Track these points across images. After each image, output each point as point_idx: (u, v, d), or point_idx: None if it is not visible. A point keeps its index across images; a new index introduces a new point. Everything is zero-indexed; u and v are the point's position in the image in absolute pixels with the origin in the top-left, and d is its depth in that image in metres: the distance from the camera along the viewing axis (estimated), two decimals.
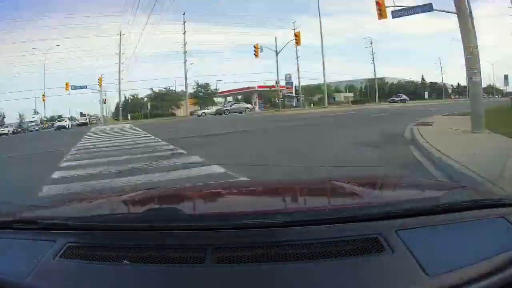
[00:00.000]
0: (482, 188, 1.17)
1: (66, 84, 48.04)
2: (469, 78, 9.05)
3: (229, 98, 64.72)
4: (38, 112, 57.03)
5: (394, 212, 1.02)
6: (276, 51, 47.14)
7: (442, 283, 0.80)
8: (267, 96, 63.33)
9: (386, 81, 76.63)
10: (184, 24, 55.10)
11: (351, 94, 74.76)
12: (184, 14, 55.64)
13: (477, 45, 9.98)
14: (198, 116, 46.43)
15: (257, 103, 60.51)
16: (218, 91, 64.47)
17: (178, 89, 63.54)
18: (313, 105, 60.43)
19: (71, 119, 57.84)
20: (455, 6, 9.33)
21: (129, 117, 56.61)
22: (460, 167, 4.72)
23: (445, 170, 5.09)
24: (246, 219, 1.06)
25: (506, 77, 35.85)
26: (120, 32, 55.47)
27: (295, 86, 59.51)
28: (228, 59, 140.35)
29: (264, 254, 0.92)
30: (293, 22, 53.69)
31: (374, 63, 67.66)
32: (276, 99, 53.59)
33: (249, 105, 51.66)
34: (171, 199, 1.72)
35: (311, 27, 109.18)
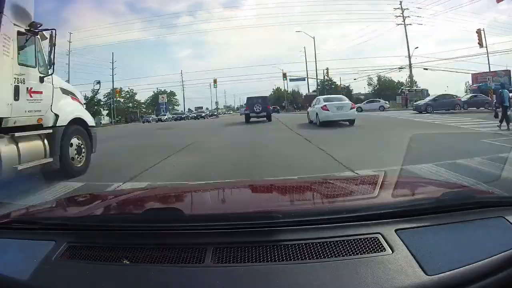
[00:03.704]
0: (482, 188, 1.17)
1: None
2: None
3: None
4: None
5: (394, 212, 1.02)
6: None
7: (442, 283, 0.80)
8: None
9: None
10: None
11: None
12: None
13: None
14: None
15: None
16: None
17: None
18: None
19: None
20: None
21: None
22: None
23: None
24: (246, 219, 1.06)
25: None
26: None
27: None
28: None
29: (264, 254, 0.92)
30: None
31: None
32: None
33: None
34: (171, 199, 1.72)
35: None
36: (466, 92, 37.51)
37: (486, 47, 36.05)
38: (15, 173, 4.68)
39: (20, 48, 5.10)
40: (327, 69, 49.82)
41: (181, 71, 70.16)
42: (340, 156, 6.44)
